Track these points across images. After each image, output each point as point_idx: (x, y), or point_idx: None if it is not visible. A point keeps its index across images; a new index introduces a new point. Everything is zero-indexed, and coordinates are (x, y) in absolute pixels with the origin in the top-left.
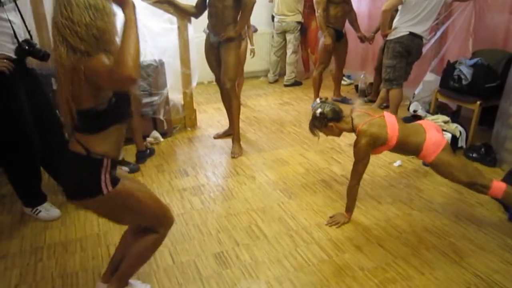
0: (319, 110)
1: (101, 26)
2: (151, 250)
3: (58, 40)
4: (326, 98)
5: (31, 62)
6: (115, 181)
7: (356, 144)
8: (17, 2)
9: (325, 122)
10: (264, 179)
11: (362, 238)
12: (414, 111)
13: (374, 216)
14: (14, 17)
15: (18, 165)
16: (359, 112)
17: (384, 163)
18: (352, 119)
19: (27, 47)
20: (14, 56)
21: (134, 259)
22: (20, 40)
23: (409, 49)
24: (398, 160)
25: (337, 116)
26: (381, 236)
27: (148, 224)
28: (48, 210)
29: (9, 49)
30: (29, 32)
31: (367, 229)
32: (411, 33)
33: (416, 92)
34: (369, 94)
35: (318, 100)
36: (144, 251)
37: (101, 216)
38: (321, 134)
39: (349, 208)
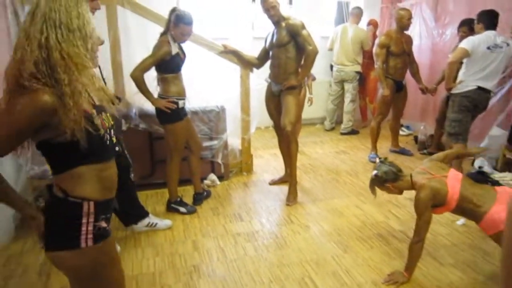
0: (374, 172)
1: (70, 50)
2: None
3: (15, 53)
4: (386, 158)
5: None
6: (99, 234)
7: (415, 198)
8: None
9: (382, 183)
10: (319, 230)
11: None
12: (480, 167)
13: (435, 277)
14: None
15: None
16: (420, 170)
17: (447, 221)
18: (411, 177)
19: None
20: None
21: None
22: None
23: (476, 103)
24: (461, 219)
25: (394, 177)
26: None
27: None
28: None
29: None
30: (104, 79)
31: None
32: (479, 88)
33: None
34: (429, 146)
35: (377, 160)
36: None
37: (72, 282)
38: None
39: (409, 267)
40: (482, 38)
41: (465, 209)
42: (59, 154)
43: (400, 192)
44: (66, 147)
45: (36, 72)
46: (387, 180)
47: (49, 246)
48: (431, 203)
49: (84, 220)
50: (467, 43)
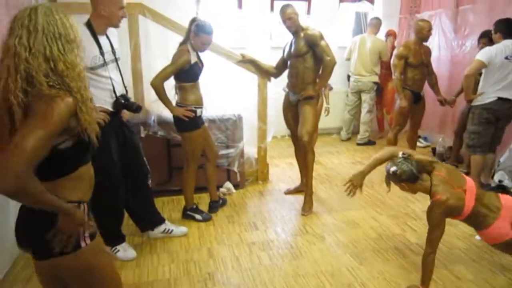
0: (393, 168)
1: (72, 60)
2: None
3: (10, 68)
4: (409, 155)
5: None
6: (92, 231)
7: (430, 211)
8: (119, 61)
9: (398, 181)
10: (334, 240)
11: None
12: (500, 181)
13: None
14: (115, 75)
15: (103, 208)
16: (440, 178)
17: (464, 235)
18: (431, 182)
19: (123, 101)
20: (111, 109)
21: None
22: (118, 94)
23: (498, 114)
24: None
25: (412, 178)
26: None
27: None
28: (125, 250)
29: (108, 103)
30: (125, 87)
31: None
32: (499, 98)
33: (501, 160)
34: (447, 158)
35: (400, 154)
36: None
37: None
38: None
39: (424, 280)
40: (499, 48)
41: (472, 219)
42: (62, 159)
43: (414, 192)
44: (70, 151)
45: (48, 81)
46: (404, 180)
47: (48, 254)
48: (446, 218)
49: None
50: (483, 54)
